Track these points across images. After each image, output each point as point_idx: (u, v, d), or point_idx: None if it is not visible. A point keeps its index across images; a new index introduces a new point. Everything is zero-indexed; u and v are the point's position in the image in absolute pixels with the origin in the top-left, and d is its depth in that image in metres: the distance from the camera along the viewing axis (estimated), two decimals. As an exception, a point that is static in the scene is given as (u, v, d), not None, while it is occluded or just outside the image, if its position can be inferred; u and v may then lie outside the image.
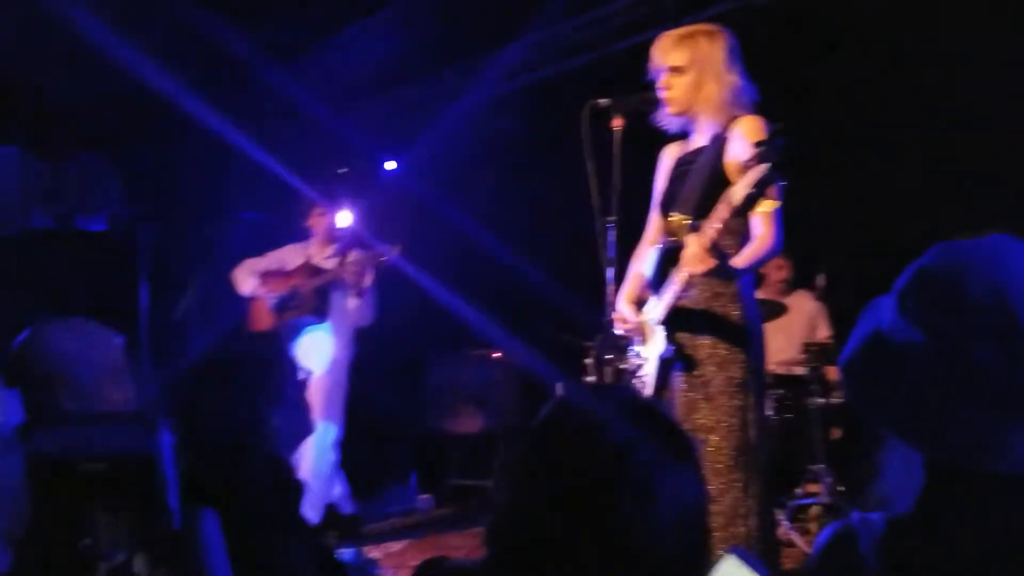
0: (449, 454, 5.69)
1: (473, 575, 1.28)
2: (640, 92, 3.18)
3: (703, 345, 2.85)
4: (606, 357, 3.43)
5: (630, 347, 3.50)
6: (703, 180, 2.85)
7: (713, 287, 2.83)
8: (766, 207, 2.53)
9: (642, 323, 3.08)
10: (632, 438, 1.19)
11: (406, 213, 5.41)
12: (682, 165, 3.04)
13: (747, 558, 1.91)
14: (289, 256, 4.93)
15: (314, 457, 4.62)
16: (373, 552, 4.46)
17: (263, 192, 5.56)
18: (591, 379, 4.43)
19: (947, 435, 1.00)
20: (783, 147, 2.38)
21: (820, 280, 4.78)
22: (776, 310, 4.27)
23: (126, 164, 5.93)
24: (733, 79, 2.84)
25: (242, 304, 4.71)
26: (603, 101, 3.29)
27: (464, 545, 4.41)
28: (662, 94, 2.91)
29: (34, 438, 1.07)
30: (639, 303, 3.15)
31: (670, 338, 2.90)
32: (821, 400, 4.41)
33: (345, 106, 5.83)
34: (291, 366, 1.80)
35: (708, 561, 1.24)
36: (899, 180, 4.43)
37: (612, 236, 3.21)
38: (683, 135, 3.09)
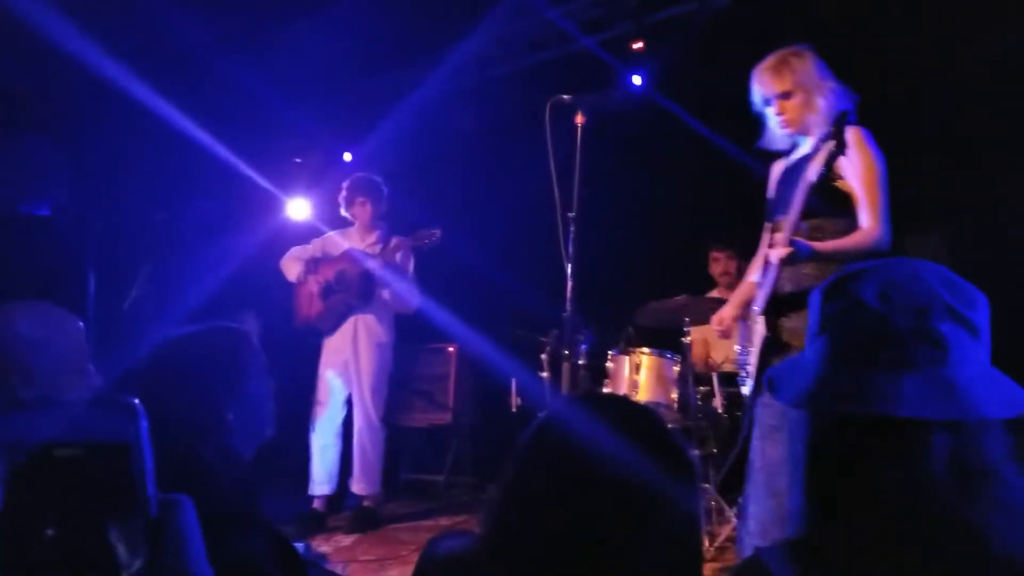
0: (401, 448, 5.66)
1: (471, 562, 1.27)
2: (602, 89, 3.21)
3: (801, 330, 2.85)
4: (562, 352, 3.45)
5: (583, 343, 3.53)
6: (809, 184, 2.89)
7: (818, 272, 2.84)
8: (842, 186, 2.75)
9: (748, 321, 3.11)
10: (624, 456, 1.20)
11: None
12: (789, 173, 3.10)
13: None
14: (333, 243, 5.02)
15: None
16: (322, 546, 4.41)
17: (217, 181, 5.48)
18: (545, 374, 4.46)
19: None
20: (852, 128, 2.59)
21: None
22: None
23: (73, 150, 5.78)
24: (831, 85, 2.95)
25: (190, 293, 4.68)
26: (566, 97, 3.31)
27: (415, 540, 4.39)
28: (778, 119, 3.01)
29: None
30: (748, 306, 3.20)
31: (770, 326, 2.93)
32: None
33: (302, 96, 5.77)
34: (256, 363, 1.76)
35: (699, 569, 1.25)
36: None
37: (572, 231, 3.23)
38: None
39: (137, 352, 1.71)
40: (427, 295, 4.95)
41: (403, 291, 4.84)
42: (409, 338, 5.33)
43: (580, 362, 3.44)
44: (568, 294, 3.27)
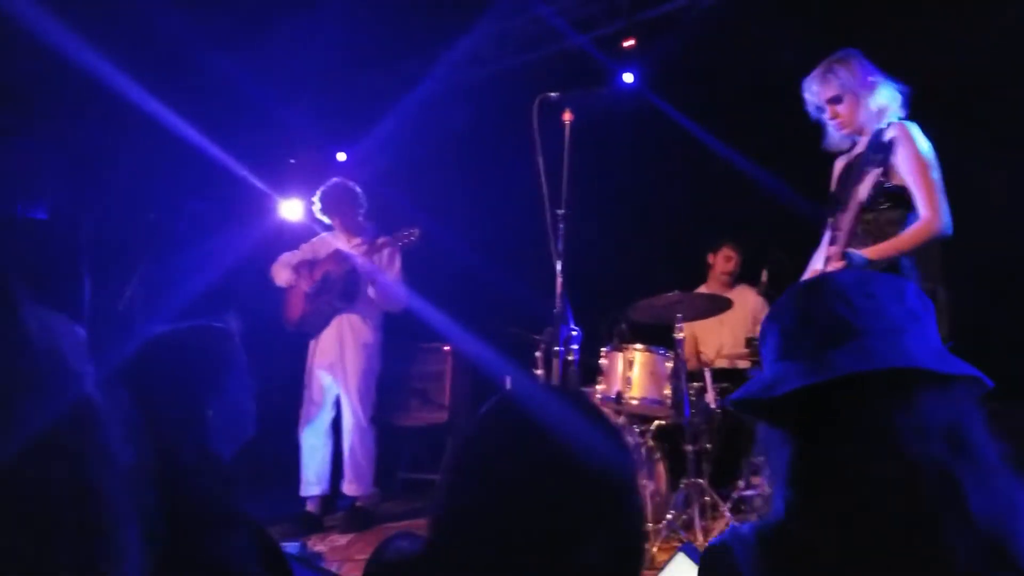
0: (398, 448, 5.66)
1: (417, 565, 1.28)
2: (591, 86, 3.23)
3: None
4: (555, 349, 3.45)
5: (575, 340, 3.54)
6: (864, 179, 3.01)
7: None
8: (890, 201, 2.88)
9: None
10: (571, 442, 1.20)
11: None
12: (849, 170, 3.19)
13: (695, 555, 1.94)
14: (324, 244, 5.07)
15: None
16: (318, 545, 4.42)
17: (210, 181, 5.49)
18: (540, 372, 4.46)
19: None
20: (900, 138, 2.75)
21: (764, 275, 4.85)
22: (720, 304, 4.32)
23: (68, 151, 5.79)
24: (877, 81, 3.06)
25: (184, 294, 4.70)
26: (554, 94, 3.32)
27: (412, 539, 4.40)
28: (833, 123, 3.14)
29: None
30: None
31: None
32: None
33: (295, 95, 5.78)
34: (237, 362, 1.78)
35: (642, 565, 1.26)
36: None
37: (562, 228, 3.24)
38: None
39: (128, 350, 1.72)
40: (420, 294, 4.95)
41: (388, 290, 4.85)
42: (404, 337, 5.34)
43: (571, 359, 3.43)
44: (558, 290, 3.27)
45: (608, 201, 5.17)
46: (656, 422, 4.23)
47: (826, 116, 3.14)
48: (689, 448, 3.89)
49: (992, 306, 3.96)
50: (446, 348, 5.64)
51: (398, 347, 5.30)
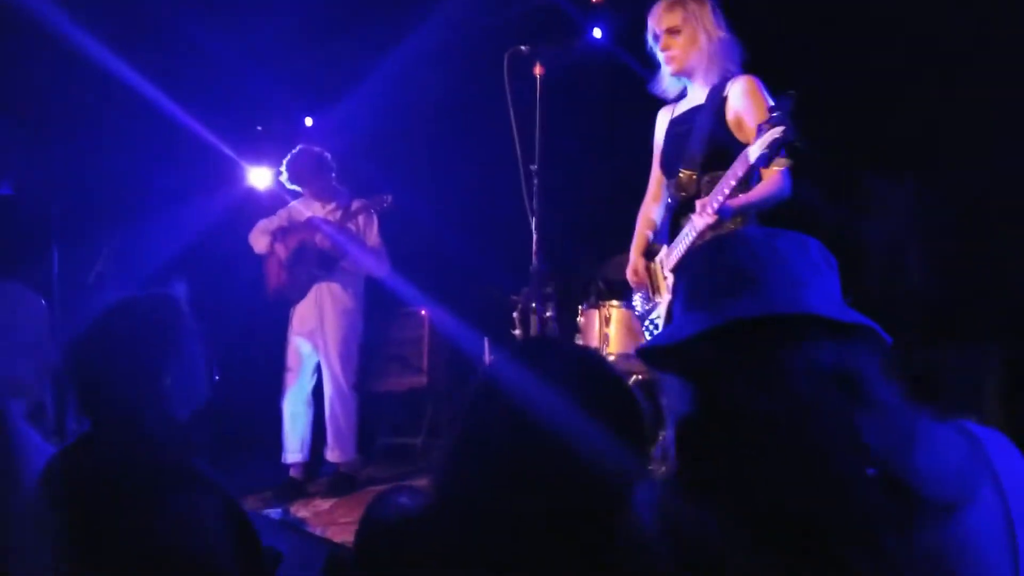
0: (378, 413, 5.65)
1: (416, 526, 1.27)
2: (561, 40, 3.21)
3: None
4: (532, 306, 3.45)
5: (552, 299, 3.55)
6: (706, 137, 2.95)
7: (732, 229, 2.87)
8: (779, 165, 2.68)
9: (654, 272, 3.12)
10: (570, 401, 1.20)
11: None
12: (680, 124, 3.11)
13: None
14: (297, 211, 5.02)
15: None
16: (301, 511, 4.42)
17: (177, 150, 5.40)
18: (518, 332, 4.45)
19: None
20: (792, 111, 2.50)
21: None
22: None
23: (33, 124, 5.67)
24: (723, 34, 2.96)
25: (153, 265, 4.65)
26: (524, 48, 3.29)
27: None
28: (663, 56, 3.02)
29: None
30: (648, 254, 3.20)
31: None
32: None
33: (263, 60, 5.67)
34: (188, 327, 1.80)
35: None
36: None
37: (536, 184, 3.22)
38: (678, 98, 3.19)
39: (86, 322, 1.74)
40: (394, 260, 4.93)
41: (365, 256, 4.82)
42: (382, 303, 5.31)
43: (548, 315, 3.43)
44: (534, 247, 3.26)
45: (582, 156, 5.14)
46: (634, 377, 4.25)
47: (659, 47, 3.02)
48: (665, 403, 3.90)
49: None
50: (423, 313, 5.62)
51: (376, 313, 5.28)
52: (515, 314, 4.50)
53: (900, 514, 0.96)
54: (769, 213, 2.87)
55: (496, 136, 3.49)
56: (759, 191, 2.82)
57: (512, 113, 3.20)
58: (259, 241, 4.98)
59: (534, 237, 3.23)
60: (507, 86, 3.18)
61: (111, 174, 5.32)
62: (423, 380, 5.55)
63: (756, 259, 1.10)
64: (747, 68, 2.99)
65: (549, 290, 3.43)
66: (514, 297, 4.49)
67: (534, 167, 3.21)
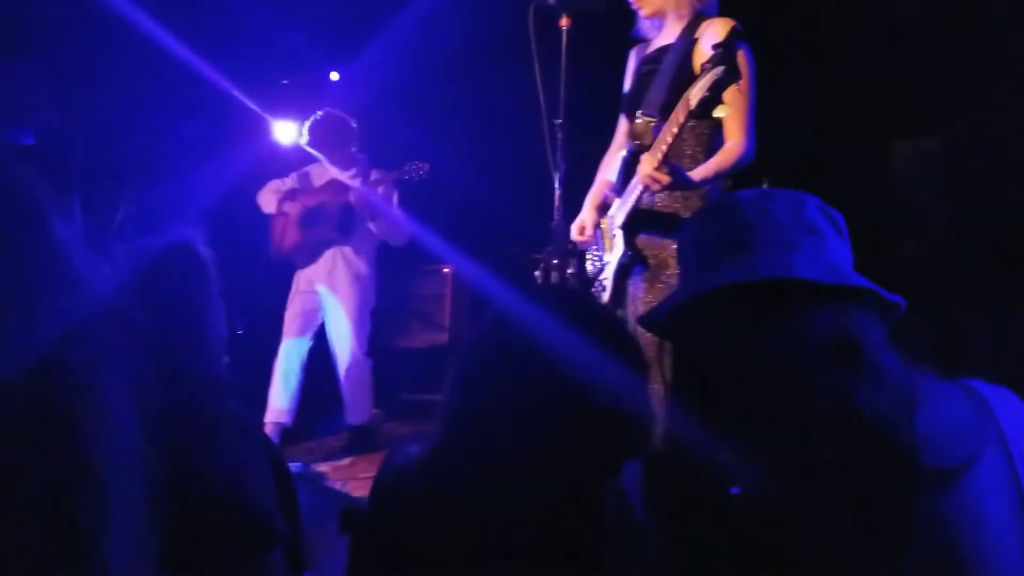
0: (400, 369, 5.67)
1: (426, 466, 1.28)
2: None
3: (667, 247, 2.79)
4: (554, 264, 3.40)
5: (575, 255, 3.47)
6: (670, 80, 2.81)
7: (684, 191, 2.78)
8: (723, 111, 2.47)
9: (603, 229, 3.05)
10: (575, 347, 1.20)
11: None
12: (648, 64, 2.98)
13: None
14: (315, 175, 4.98)
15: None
16: (321, 466, 4.45)
17: (201, 103, 5.37)
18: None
19: None
20: (740, 50, 2.35)
21: (765, 183, 4.77)
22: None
23: (56, 75, 5.66)
24: None
25: (175, 218, 4.62)
26: (550, 0, 3.21)
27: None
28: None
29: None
30: (604, 208, 3.12)
31: (629, 243, 2.86)
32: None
33: (288, 15, 5.61)
34: (215, 276, 1.78)
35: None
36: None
37: (560, 139, 3.16)
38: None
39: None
40: (417, 217, 4.88)
41: (388, 225, 4.75)
42: (405, 260, 5.29)
43: (570, 271, 3.39)
44: (556, 203, 3.21)
45: (608, 110, 5.06)
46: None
47: None
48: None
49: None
50: (446, 270, 5.60)
51: (399, 269, 5.27)
52: (537, 272, 4.48)
53: (898, 483, 0.93)
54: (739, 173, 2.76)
55: (520, 89, 3.42)
56: (720, 160, 2.71)
57: (537, 66, 3.12)
58: (268, 201, 4.95)
59: (556, 192, 3.16)
60: (532, 38, 3.10)
61: (135, 126, 5.31)
62: (445, 337, 5.56)
63: (745, 224, 1.08)
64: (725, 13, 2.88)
65: (571, 247, 3.37)
66: (536, 255, 4.45)
67: (559, 121, 3.14)
